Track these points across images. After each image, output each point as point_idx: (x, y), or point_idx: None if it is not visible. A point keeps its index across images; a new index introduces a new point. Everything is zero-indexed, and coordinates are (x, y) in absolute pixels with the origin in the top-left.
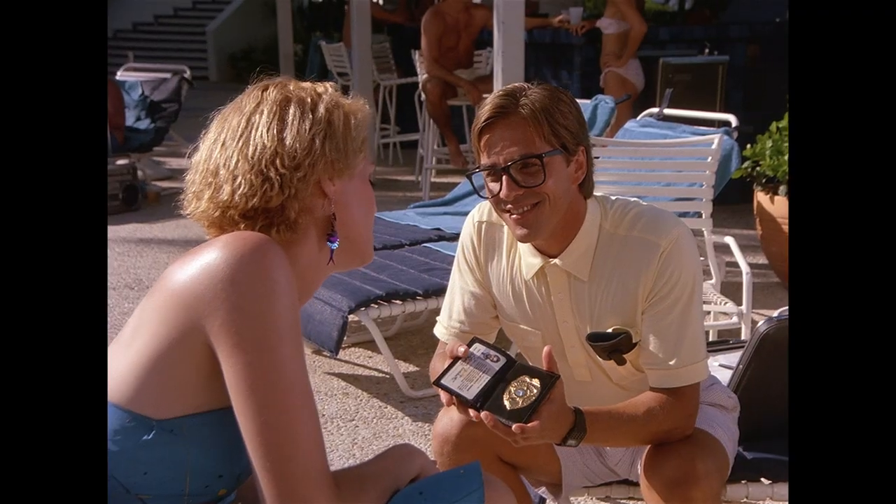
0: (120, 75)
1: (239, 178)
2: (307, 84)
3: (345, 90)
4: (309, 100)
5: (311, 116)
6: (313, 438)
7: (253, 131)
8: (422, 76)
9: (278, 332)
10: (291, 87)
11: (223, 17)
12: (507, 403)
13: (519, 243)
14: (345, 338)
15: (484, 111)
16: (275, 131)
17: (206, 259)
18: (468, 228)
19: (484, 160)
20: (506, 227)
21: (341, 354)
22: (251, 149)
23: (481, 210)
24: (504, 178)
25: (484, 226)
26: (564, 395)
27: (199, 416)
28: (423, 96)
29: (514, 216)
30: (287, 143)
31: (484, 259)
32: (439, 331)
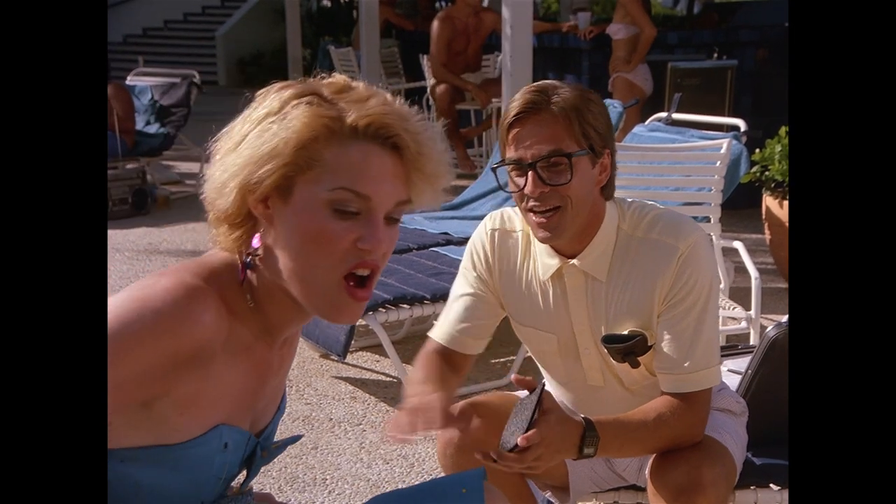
0: (130, 80)
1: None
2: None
3: None
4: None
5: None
6: None
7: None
8: (430, 81)
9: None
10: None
11: (232, 21)
12: (510, 437)
13: (536, 246)
14: (352, 342)
15: (515, 105)
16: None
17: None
18: (481, 237)
19: (510, 153)
20: (519, 234)
21: (349, 358)
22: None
23: (493, 219)
24: (530, 174)
25: (497, 234)
26: (557, 402)
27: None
28: (430, 101)
29: (536, 218)
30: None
31: (498, 267)
32: (436, 333)
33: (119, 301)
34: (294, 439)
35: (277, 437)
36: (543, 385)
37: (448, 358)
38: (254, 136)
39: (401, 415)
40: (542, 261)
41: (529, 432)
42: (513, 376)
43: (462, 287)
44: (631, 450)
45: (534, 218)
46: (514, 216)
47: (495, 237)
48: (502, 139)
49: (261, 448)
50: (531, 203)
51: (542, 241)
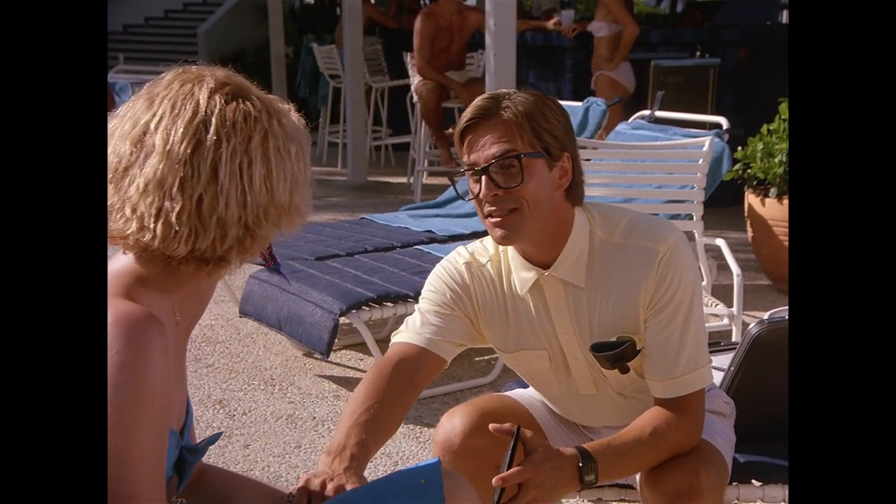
0: (111, 77)
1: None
2: (279, 108)
3: (337, 92)
4: (282, 141)
5: (291, 167)
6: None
7: (246, 181)
8: (414, 79)
9: (141, 413)
10: (267, 119)
11: (214, 19)
12: (497, 490)
13: (511, 262)
14: (336, 340)
15: (467, 113)
16: (267, 183)
17: None
18: (456, 268)
19: (465, 160)
20: (489, 264)
21: (332, 357)
22: (249, 204)
23: (461, 254)
24: (483, 178)
25: (472, 266)
26: (539, 441)
27: None
28: (414, 98)
29: (492, 219)
30: (277, 197)
31: (478, 299)
32: (407, 336)
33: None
34: (215, 438)
35: (258, 435)
36: (519, 429)
37: (416, 366)
38: (302, 178)
39: (300, 491)
40: (519, 276)
41: (505, 473)
42: (490, 426)
43: (432, 306)
44: (633, 468)
45: (491, 220)
46: (480, 249)
47: (471, 269)
48: (458, 147)
49: (187, 450)
50: (488, 208)
51: (499, 241)
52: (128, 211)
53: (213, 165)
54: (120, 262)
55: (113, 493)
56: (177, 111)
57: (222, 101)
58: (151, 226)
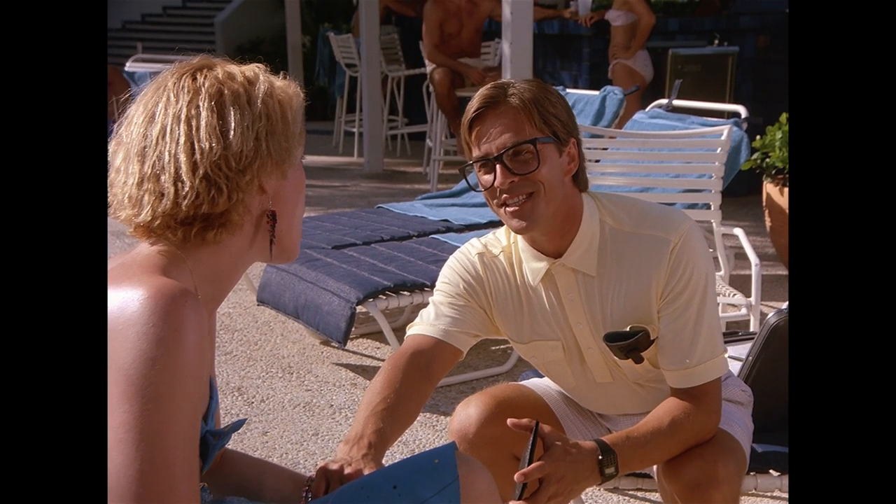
0: (129, 66)
1: (186, 187)
2: (235, 69)
3: (353, 81)
4: (243, 91)
5: (250, 112)
6: (189, 491)
7: (194, 132)
8: (429, 67)
9: (177, 387)
10: (221, 76)
11: (231, 8)
12: (518, 486)
13: (522, 253)
14: (353, 329)
15: (473, 103)
16: (218, 132)
17: (123, 300)
18: (469, 259)
19: (476, 152)
20: (501, 255)
21: (349, 345)
22: (197, 153)
23: (474, 245)
24: (498, 167)
25: (485, 257)
26: (557, 434)
27: None
28: (431, 87)
29: (509, 208)
30: (233, 145)
31: (491, 290)
32: (422, 329)
33: (130, 344)
34: (239, 424)
35: (276, 423)
36: (537, 424)
37: (432, 357)
38: (280, 125)
39: (319, 478)
40: (530, 266)
41: (526, 468)
42: (508, 421)
43: (447, 297)
44: (653, 458)
45: (507, 209)
46: (492, 240)
47: (484, 260)
48: (465, 140)
49: (211, 434)
50: (503, 197)
51: (518, 231)
52: (125, 200)
53: (163, 129)
54: (146, 248)
55: (148, 466)
56: (147, 98)
57: (182, 76)
58: (142, 203)
